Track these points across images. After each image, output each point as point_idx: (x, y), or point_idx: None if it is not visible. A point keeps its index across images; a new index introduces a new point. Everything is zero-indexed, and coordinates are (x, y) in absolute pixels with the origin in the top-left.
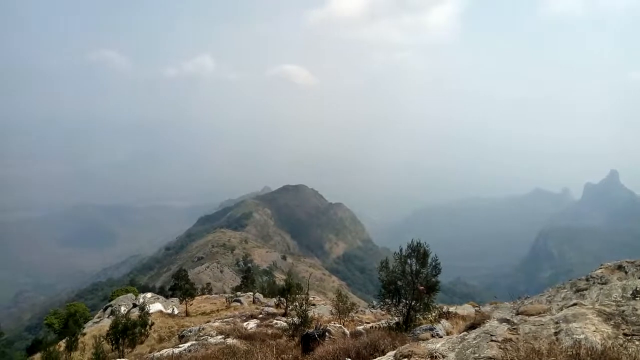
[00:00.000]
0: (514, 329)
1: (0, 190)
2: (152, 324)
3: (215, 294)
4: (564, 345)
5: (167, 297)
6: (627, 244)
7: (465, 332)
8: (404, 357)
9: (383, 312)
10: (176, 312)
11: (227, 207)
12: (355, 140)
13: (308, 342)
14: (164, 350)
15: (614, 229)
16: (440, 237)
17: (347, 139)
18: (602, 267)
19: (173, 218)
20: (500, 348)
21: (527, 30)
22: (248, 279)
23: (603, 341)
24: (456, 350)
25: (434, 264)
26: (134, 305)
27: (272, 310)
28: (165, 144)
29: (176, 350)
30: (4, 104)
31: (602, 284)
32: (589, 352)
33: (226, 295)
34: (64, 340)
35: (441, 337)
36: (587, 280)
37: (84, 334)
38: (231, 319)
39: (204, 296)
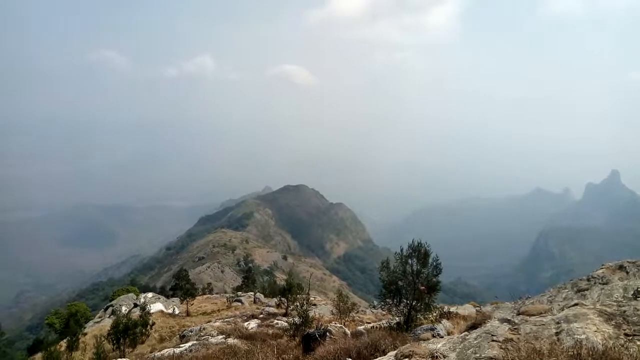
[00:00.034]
0: (515, 329)
1: (1, 190)
2: (153, 323)
3: (216, 294)
4: (565, 345)
5: (168, 297)
6: (629, 244)
7: (466, 332)
8: (405, 357)
9: (384, 312)
10: (177, 312)
11: (228, 207)
12: (356, 140)
13: (309, 342)
14: (165, 350)
15: (615, 229)
16: (440, 237)
17: (347, 139)
18: (603, 267)
19: (173, 218)
20: (501, 348)
21: (527, 30)
22: (249, 279)
23: (604, 341)
24: (457, 350)
25: (434, 264)
26: (135, 305)
27: (273, 310)
28: (166, 144)
29: (177, 350)
30: (4, 104)
31: (603, 284)
32: (590, 353)
33: (227, 295)
34: (65, 340)
35: (442, 337)
36: (588, 280)
37: (85, 334)
38: (232, 319)
39: (204, 296)
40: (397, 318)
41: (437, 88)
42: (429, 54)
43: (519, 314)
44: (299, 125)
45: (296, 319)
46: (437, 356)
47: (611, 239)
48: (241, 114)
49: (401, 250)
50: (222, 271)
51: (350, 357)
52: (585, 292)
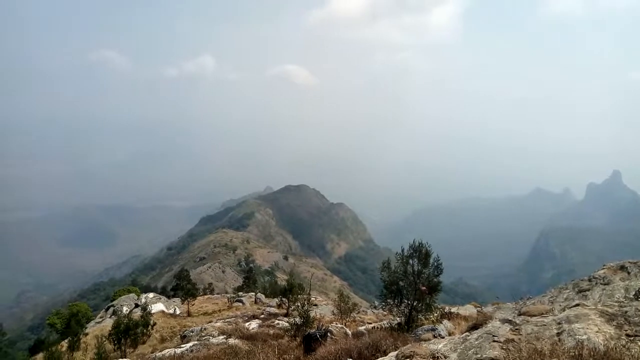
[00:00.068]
0: (516, 329)
1: (1, 190)
2: (154, 324)
3: (217, 294)
4: (567, 346)
5: (169, 297)
6: (630, 245)
7: (467, 333)
8: (406, 358)
9: (385, 313)
10: (178, 312)
11: (229, 207)
12: (356, 140)
13: (310, 343)
14: (166, 350)
15: (616, 230)
16: (441, 237)
17: (347, 139)
18: (604, 267)
19: (174, 218)
20: (502, 348)
21: (528, 30)
22: (250, 279)
23: (605, 342)
24: (458, 350)
25: (435, 264)
26: (136, 306)
27: (274, 310)
28: (166, 144)
29: (178, 351)
30: (4, 104)
31: (605, 284)
32: (592, 353)
33: (228, 295)
34: (66, 340)
35: (443, 337)
36: (589, 280)
37: (86, 334)
38: (233, 319)
39: (205, 296)
40: (398, 318)
41: (437, 88)
42: (430, 54)
43: (520, 314)
44: (300, 125)
45: (297, 319)
46: (438, 357)
47: (612, 239)
48: (242, 114)
49: (402, 250)
50: (223, 271)
51: (351, 358)
52: (587, 292)
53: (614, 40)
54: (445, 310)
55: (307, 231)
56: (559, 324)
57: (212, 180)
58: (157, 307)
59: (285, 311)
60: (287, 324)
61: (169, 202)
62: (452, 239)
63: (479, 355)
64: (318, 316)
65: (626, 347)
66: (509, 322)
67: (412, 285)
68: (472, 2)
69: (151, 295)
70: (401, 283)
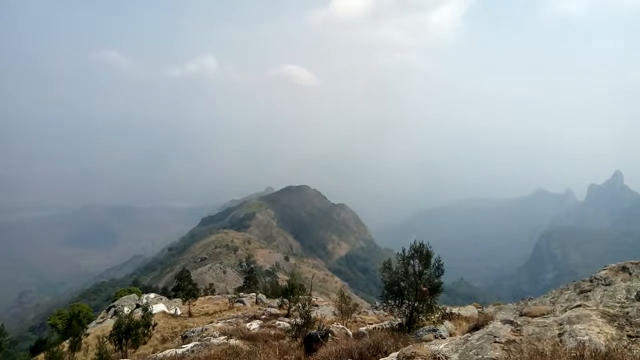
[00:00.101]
0: (518, 330)
1: (4, 190)
2: (155, 324)
3: (218, 294)
4: (568, 346)
5: (170, 297)
6: (632, 245)
7: (468, 334)
8: (407, 358)
9: (386, 313)
10: (179, 312)
11: (230, 207)
12: (357, 140)
13: (311, 343)
14: (167, 350)
15: (618, 230)
16: (442, 238)
17: (349, 140)
18: (606, 268)
19: (175, 219)
20: (503, 349)
21: (529, 31)
22: (251, 279)
23: (607, 343)
24: (459, 351)
25: (436, 264)
26: (137, 306)
27: (275, 311)
28: (168, 145)
29: (179, 351)
30: (6, 105)
31: (606, 285)
32: (593, 354)
33: (229, 296)
34: (67, 341)
35: (444, 338)
36: (591, 281)
37: (88, 335)
38: (234, 319)
39: (206, 297)
40: (399, 319)
41: (439, 88)
42: (431, 55)
43: (521, 315)
44: (301, 126)
45: (298, 320)
46: (439, 357)
47: (614, 240)
48: (243, 114)
49: (403, 251)
50: (224, 272)
51: (352, 358)
52: (588, 293)
53: (615, 40)
54: (447, 311)
55: (308, 232)
56: (561, 324)
57: (213, 181)
58: (158, 307)
59: (286, 312)
60: (288, 325)
61: (170, 203)
62: (453, 240)
63: (480, 356)
64: (319, 317)
65: (628, 348)
66: (510, 322)
67: (413, 286)
68: (474, 2)
69: (152, 295)
70: (402, 284)
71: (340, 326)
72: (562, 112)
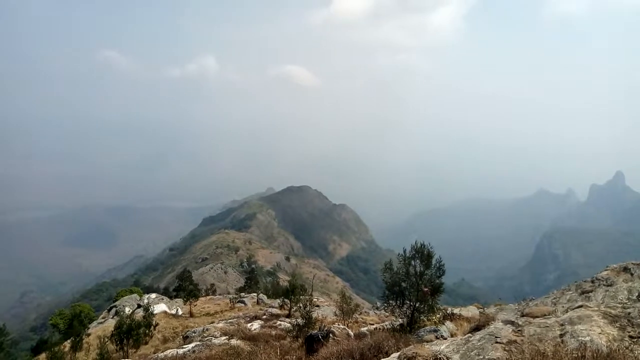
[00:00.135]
0: (519, 330)
1: (4, 190)
2: (157, 324)
3: (219, 295)
4: (569, 347)
5: (171, 297)
6: (633, 246)
7: (469, 334)
8: (408, 359)
9: (387, 314)
10: (180, 312)
11: (231, 208)
12: (358, 141)
13: (312, 344)
14: (168, 350)
15: (619, 231)
16: (443, 239)
17: (349, 140)
18: (607, 269)
19: (176, 219)
20: (504, 350)
21: (531, 31)
22: (252, 280)
23: (609, 343)
24: (461, 352)
25: (438, 265)
26: (139, 306)
27: (276, 311)
28: (169, 145)
29: (180, 351)
30: (6, 105)
31: (608, 285)
32: (595, 355)
33: (230, 296)
34: (68, 341)
35: (445, 338)
36: (592, 282)
37: (89, 335)
38: (235, 319)
39: (208, 297)
40: (400, 319)
41: (439, 89)
42: (432, 55)
43: (522, 315)
44: (302, 126)
45: (299, 320)
46: (440, 358)
47: (616, 241)
48: (244, 115)
49: (404, 251)
50: (225, 272)
51: (353, 359)
52: (590, 294)
53: (615, 40)
54: (448, 312)
55: (309, 232)
56: (562, 325)
57: (214, 181)
58: (160, 307)
59: (287, 312)
60: (289, 325)
61: (171, 203)
62: (454, 240)
63: (481, 357)
64: (320, 317)
65: (629, 348)
66: (512, 323)
67: (415, 286)
68: (474, 2)
69: (153, 295)
70: (403, 284)
71: (342, 326)
72: (562, 112)
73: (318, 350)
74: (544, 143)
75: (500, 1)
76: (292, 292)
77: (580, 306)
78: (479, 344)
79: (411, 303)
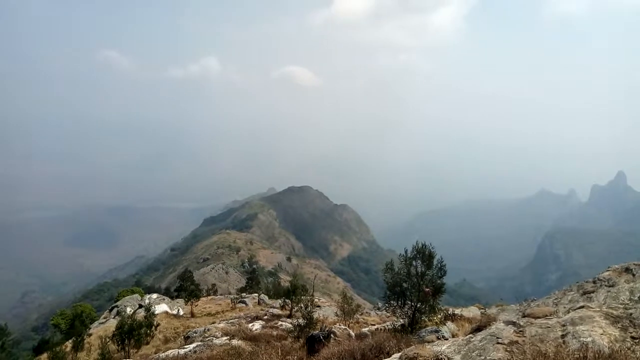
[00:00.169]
0: (520, 331)
1: (4, 190)
2: (158, 324)
3: (221, 295)
4: (571, 348)
5: (172, 298)
6: (635, 246)
7: (471, 335)
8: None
9: (388, 314)
10: (181, 313)
11: (233, 208)
12: (359, 141)
13: (313, 344)
14: (170, 351)
15: (621, 231)
16: (445, 239)
17: (351, 140)
18: (609, 269)
19: (178, 219)
20: (506, 350)
21: (531, 31)
22: (253, 280)
23: (610, 344)
24: (462, 352)
25: (439, 265)
26: (140, 306)
27: (277, 311)
28: (170, 145)
29: (181, 351)
30: (7, 105)
31: (610, 286)
32: (596, 355)
33: (231, 296)
34: (70, 341)
35: (447, 339)
36: (594, 282)
37: (90, 335)
38: (236, 320)
39: (209, 297)
40: (401, 320)
41: (439, 89)
42: (433, 55)
43: (524, 316)
44: (303, 126)
45: (300, 321)
46: (441, 358)
47: (617, 241)
48: (245, 115)
49: (405, 251)
50: (227, 272)
51: (354, 359)
52: (591, 294)
53: (615, 40)
54: (449, 312)
55: (311, 232)
56: (564, 326)
57: (215, 182)
58: (161, 307)
59: (288, 312)
60: (290, 325)
61: (172, 203)
62: (456, 241)
63: (482, 357)
64: (321, 317)
65: (631, 349)
66: (513, 324)
67: (416, 286)
68: (475, 3)
69: (155, 296)
70: (404, 285)
71: (343, 327)
72: (562, 112)
73: (319, 351)
74: (544, 143)
75: (500, 1)
76: (294, 292)
77: (582, 307)
78: (480, 344)
79: (412, 303)
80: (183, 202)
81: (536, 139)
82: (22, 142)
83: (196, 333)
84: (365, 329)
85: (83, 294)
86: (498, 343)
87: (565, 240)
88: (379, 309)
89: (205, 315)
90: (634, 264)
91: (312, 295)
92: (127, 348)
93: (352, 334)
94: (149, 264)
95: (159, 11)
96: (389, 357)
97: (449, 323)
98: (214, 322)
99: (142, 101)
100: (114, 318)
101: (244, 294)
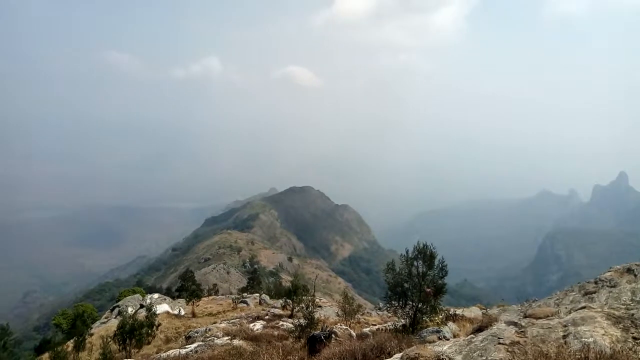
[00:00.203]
0: (522, 331)
1: (4, 190)
2: (159, 324)
3: (222, 295)
4: (573, 348)
5: (174, 298)
6: (637, 247)
7: (472, 335)
8: None
9: (389, 314)
10: (183, 313)
11: (234, 208)
12: (360, 141)
13: (314, 344)
14: (171, 350)
15: (623, 232)
16: (446, 239)
17: (352, 140)
18: (611, 270)
19: (179, 219)
20: (507, 351)
21: (531, 31)
22: (254, 280)
23: (612, 345)
24: (463, 353)
25: (440, 266)
26: (141, 306)
27: (278, 311)
28: (171, 146)
29: (183, 351)
30: (7, 105)
31: (611, 287)
32: (598, 356)
33: (232, 296)
34: (71, 341)
35: (448, 339)
36: (595, 283)
37: (92, 335)
38: (237, 320)
39: (210, 297)
40: (402, 320)
41: (439, 89)
42: (433, 55)
43: (525, 316)
44: (304, 127)
45: (302, 321)
46: (443, 359)
47: (619, 242)
48: (246, 115)
49: (407, 252)
50: (228, 272)
51: (355, 359)
52: (593, 295)
53: (615, 40)
54: (450, 312)
55: (312, 232)
56: (565, 326)
57: (215, 182)
58: (162, 307)
59: (289, 312)
60: (291, 325)
61: (174, 203)
62: (457, 241)
63: (484, 358)
64: (322, 318)
65: (633, 350)
66: (515, 324)
67: (417, 287)
68: (475, 3)
69: (156, 296)
70: (406, 285)
71: (344, 327)
72: (562, 112)
73: (320, 351)
74: (544, 143)
75: (500, 1)
76: (295, 292)
77: (584, 307)
78: (481, 345)
79: (414, 304)
80: (183, 202)
81: (536, 139)
82: (22, 142)
83: (197, 333)
84: (366, 329)
85: (84, 294)
86: (499, 343)
87: (566, 241)
88: (380, 309)
89: (206, 315)
90: (635, 264)
91: (313, 296)
92: (128, 348)
93: (353, 334)
94: (150, 264)
95: (159, 11)
96: (390, 357)
97: (450, 323)
98: (215, 322)
99: (142, 101)
100: (115, 318)
101: (245, 294)
